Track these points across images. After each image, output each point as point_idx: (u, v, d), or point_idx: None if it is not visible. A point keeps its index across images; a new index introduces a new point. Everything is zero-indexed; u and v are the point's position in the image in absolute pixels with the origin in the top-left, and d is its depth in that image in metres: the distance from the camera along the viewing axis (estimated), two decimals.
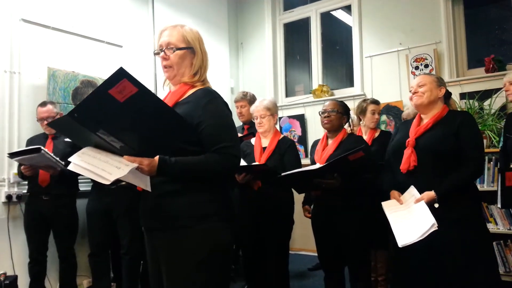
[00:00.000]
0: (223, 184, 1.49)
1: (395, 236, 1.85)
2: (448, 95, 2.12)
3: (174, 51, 1.49)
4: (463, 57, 3.95)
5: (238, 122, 3.54)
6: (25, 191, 3.01)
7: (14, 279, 2.81)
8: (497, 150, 3.24)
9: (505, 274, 3.15)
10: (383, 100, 4.08)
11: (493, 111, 3.52)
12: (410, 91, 2.11)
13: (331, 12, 4.86)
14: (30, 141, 2.99)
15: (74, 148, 2.63)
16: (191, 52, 1.52)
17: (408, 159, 1.97)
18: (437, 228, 1.74)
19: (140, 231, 1.60)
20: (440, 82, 2.07)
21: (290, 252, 2.69)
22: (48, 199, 2.84)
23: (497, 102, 3.51)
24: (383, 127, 4.09)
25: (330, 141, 2.45)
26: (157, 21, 4.20)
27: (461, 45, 3.95)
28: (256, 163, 2.47)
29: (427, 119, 2.05)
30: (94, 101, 1.15)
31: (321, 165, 2.13)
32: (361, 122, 3.13)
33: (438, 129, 1.98)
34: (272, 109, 2.64)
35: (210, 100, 1.43)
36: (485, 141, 3.37)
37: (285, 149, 2.55)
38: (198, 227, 1.38)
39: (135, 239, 2.81)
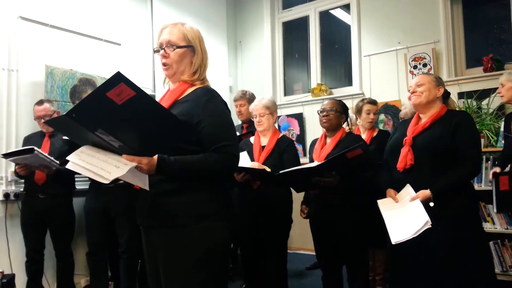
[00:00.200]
0: (223, 183, 1.49)
1: (389, 233, 1.86)
2: (446, 94, 2.13)
3: (174, 49, 1.48)
4: (462, 57, 3.96)
5: (237, 121, 3.55)
6: (22, 189, 3.00)
7: (11, 278, 2.80)
8: (495, 149, 3.25)
9: (502, 274, 3.16)
10: (382, 99, 4.10)
11: (491, 110, 3.53)
12: (409, 90, 2.11)
13: (330, 11, 4.86)
14: (27, 139, 2.98)
15: (71, 146, 2.62)
16: (191, 50, 1.51)
17: (405, 158, 1.98)
18: (430, 226, 1.74)
19: (138, 230, 1.59)
20: (439, 82, 2.08)
21: (288, 251, 2.69)
22: (44, 197, 2.84)
23: (495, 101, 3.51)
24: (381, 126, 4.09)
25: (328, 140, 2.45)
26: (155, 19, 4.19)
27: (460, 45, 3.95)
28: (255, 163, 2.45)
29: (425, 118, 2.06)
30: (92, 103, 1.15)
31: (320, 163, 2.13)
32: (357, 121, 3.14)
33: (436, 128, 1.99)
34: (271, 108, 2.64)
35: (210, 99, 1.43)
36: (483, 140, 3.38)
37: (284, 148, 2.55)
38: (197, 226, 1.38)
39: (133, 238, 2.80)
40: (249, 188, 2.45)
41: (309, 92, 4.76)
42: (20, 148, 2.71)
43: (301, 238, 4.27)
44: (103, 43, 3.67)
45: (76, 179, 3.06)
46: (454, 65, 3.88)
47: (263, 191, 2.45)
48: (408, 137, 2.02)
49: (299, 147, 4.61)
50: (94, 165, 1.23)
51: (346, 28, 4.65)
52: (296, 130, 4.77)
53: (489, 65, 3.63)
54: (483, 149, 3.30)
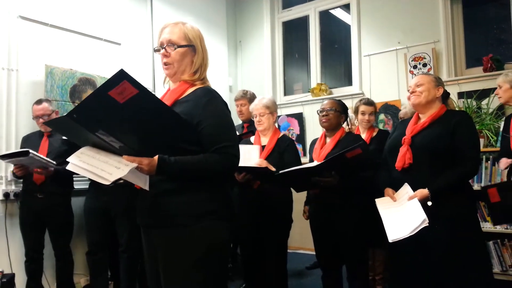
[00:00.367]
0: (223, 183, 1.49)
1: (386, 231, 1.86)
2: (446, 95, 2.13)
3: (175, 49, 1.48)
4: (462, 56, 3.96)
5: (237, 121, 3.55)
6: (21, 189, 3.00)
7: (11, 277, 2.79)
8: (495, 149, 3.26)
9: (502, 273, 3.16)
10: (381, 99, 4.10)
11: (491, 110, 3.53)
12: (408, 90, 2.11)
13: (330, 11, 4.86)
14: (25, 139, 2.98)
15: (70, 146, 2.63)
16: (192, 50, 1.51)
17: (403, 157, 1.99)
18: (428, 224, 1.74)
19: (138, 229, 1.59)
20: (438, 82, 2.08)
21: (288, 250, 2.69)
22: (43, 197, 2.83)
23: (495, 101, 3.51)
24: (381, 126, 4.09)
25: (328, 140, 2.45)
26: (155, 18, 4.19)
27: (460, 44, 3.95)
28: (261, 161, 2.45)
29: (424, 118, 2.06)
30: (93, 102, 1.15)
31: (319, 163, 2.13)
32: (355, 121, 3.15)
33: (435, 127, 1.99)
34: (271, 107, 2.64)
35: (210, 99, 1.43)
36: (482, 140, 3.38)
37: (284, 147, 2.55)
38: (197, 225, 1.38)
39: (133, 238, 2.80)
40: (249, 188, 2.45)
41: (309, 92, 4.76)
42: (16, 150, 2.71)
43: (301, 238, 4.27)
44: (103, 43, 3.67)
45: (75, 178, 3.06)
46: (454, 65, 3.88)
47: (263, 191, 2.45)
48: (407, 136, 2.03)
49: (299, 147, 4.61)
50: (94, 166, 1.22)
51: (346, 28, 4.65)
52: (296, 130, 4.77)
53: (489, 65, 3.63)
54: (483, 149, 3.31)
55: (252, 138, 2.73)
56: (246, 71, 5.25)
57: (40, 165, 2.63)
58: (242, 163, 2.28)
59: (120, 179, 1.22)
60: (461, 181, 1.95)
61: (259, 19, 5.14)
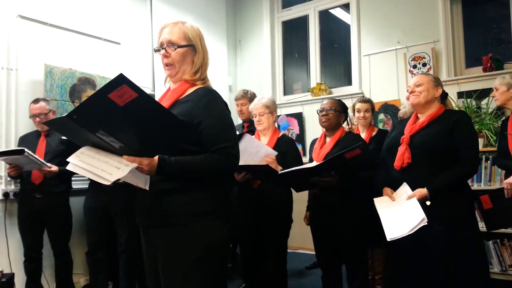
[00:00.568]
0: (222, 183, 1.49)
1: (384, 230, 1.86)
2: (444, 95, 2.13)
3: (175, 49, 1.48)
4: (461, 56, 3.96)
5: (237, 120, 3.55)
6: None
7: (11, 277, 2.79)
8: (494, 149, 3.25)
9: (502, 273, 3.16)
10: (381, 98, 4.10)
11: (490, 110, 3.53)
12: (408, 90, 2.12)
13: (329, 10, 4.86)
14: (22, 139, 2.98)
15: (68, 146, 2.63)
16: (192, 49, 1.51)
17: (402, 156, 1.99)
18: (426, 223, 1.75)
19: (137, 229, 1.59)
20: (437, 82, 2.09)
21: (288, 250, 2.69)
22: (41, 197, 2.83)
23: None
24: (380, 125, 4.10)
25: (328, 140, 2.45)
26: (155, 18, 4.19)
27: (459, 44, 3.95)
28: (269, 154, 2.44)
29: (423, 118, 2.07)
30: (93, 104, 1.15)
31: (318, 163, 2.14)
32: (354, 121, 3.14)
33: (433, 127, 1.99)
34: (271, 107, 2.64)
35: (210, 100, 1.42)
36: (482, 140, 3.38)
37: (285, 148, 2.54)
38: (196, 225, 1.38)
39: (132, 237, 2.80)
40: (249, 188, 2.45)
41: (308, 91, 4.76)
42: (11, 148, 2.70)
43: (300, 238, 4.26)
44: (103, 42, 3.67)
45: (75, 178, 3.06)
46: (453, 64, 3.88)
47: (263, 191, 2.45)
48: (406, 135, 2.03)
49: (298, 147, 4.61)
50: (95, 166, 1.23)
51: (346, 27, 4.65)
52: (296, 130, 4.77)
53: (489, 64, 3.63)
54: (483, 149, 3.31)
55: None
56: (246, 71, 5.24)
57: (34, 166, 2.62)
58: (249, 157, 2.28)
59: (119, 179, 1.22)
60: (460, 181, 1.95)
61: (259, 18, 5.14)
